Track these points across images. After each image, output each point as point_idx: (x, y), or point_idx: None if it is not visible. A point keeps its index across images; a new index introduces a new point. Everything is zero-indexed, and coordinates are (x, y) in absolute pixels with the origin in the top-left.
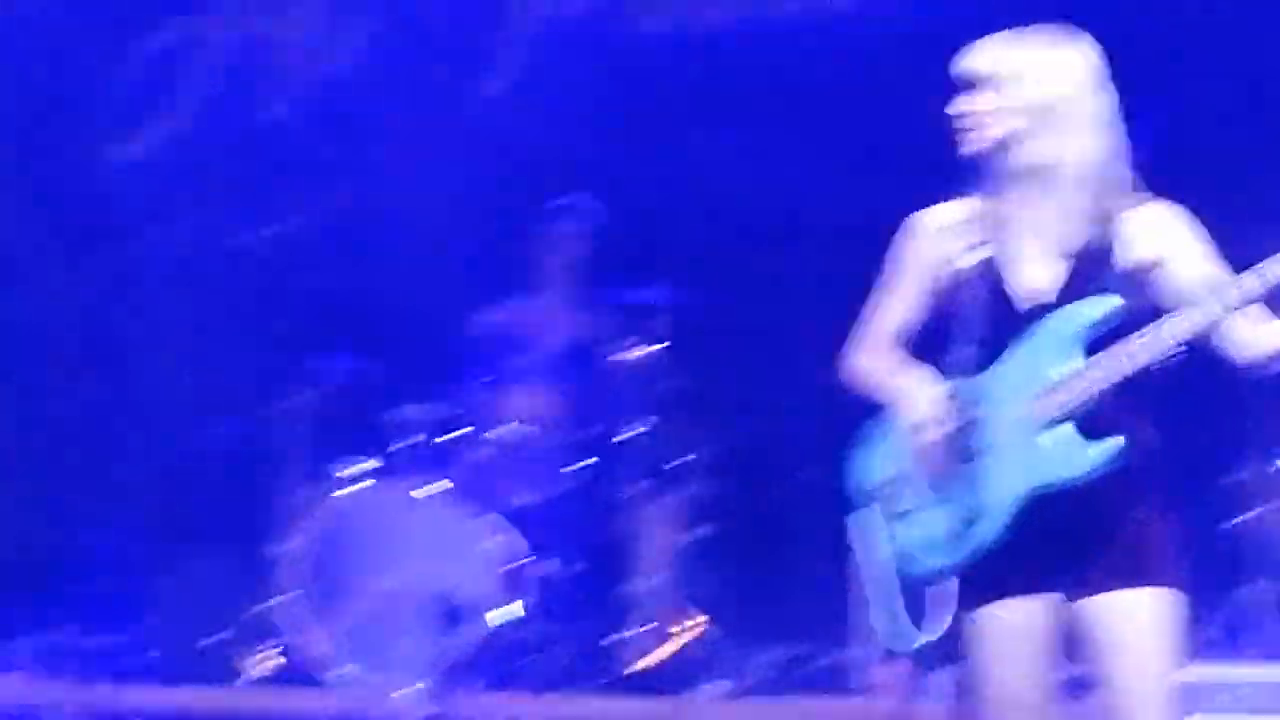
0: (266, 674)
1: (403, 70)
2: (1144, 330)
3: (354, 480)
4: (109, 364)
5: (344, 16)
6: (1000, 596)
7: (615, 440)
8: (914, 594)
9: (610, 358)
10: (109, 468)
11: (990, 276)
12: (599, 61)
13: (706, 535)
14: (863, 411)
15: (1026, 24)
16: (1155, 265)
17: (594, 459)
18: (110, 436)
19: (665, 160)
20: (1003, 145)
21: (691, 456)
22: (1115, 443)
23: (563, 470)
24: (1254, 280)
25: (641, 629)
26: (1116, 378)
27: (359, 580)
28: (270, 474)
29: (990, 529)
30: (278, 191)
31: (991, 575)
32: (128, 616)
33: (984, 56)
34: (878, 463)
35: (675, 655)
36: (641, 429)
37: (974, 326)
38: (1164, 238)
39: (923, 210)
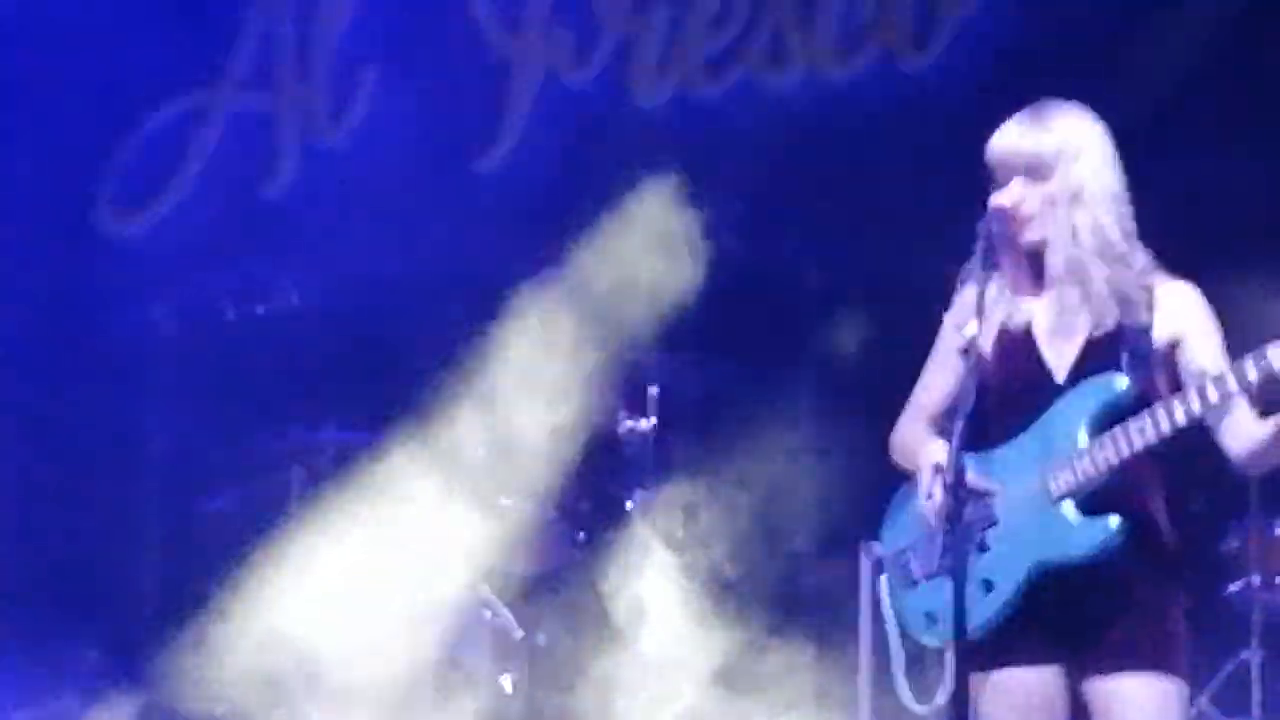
0: None
1: (401, 142)
2: (1150, 412)
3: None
4: (112, 435)
5: (342, 91)
6: (1009, 664)
7: (613, 509)
8: (923, 659)
9: (609, 428)
10: (107, 538)
11: (1014, 351)
12: (597, 132)
13: (701, 603)
14: (854, 485)
15: (1016, 97)
16: (1172, 345)
17: (591, 529)
18: (109, 507)
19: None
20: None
21: (687, 528)
22: (1116, 521)
23: (561, 540)
24: (1251, 369)
25: (636, 699)
26: (1120, 457)
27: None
28: (264, 544)
29: (996, 603)
30: (275, 264)
31: (1001, 643)
32: (126, 686)
33: (1022, 140)
34: (896, 531)
35: None
36: (640, 498)
37: (999, 400)
38: (1181, 318)
39: (962, 286)
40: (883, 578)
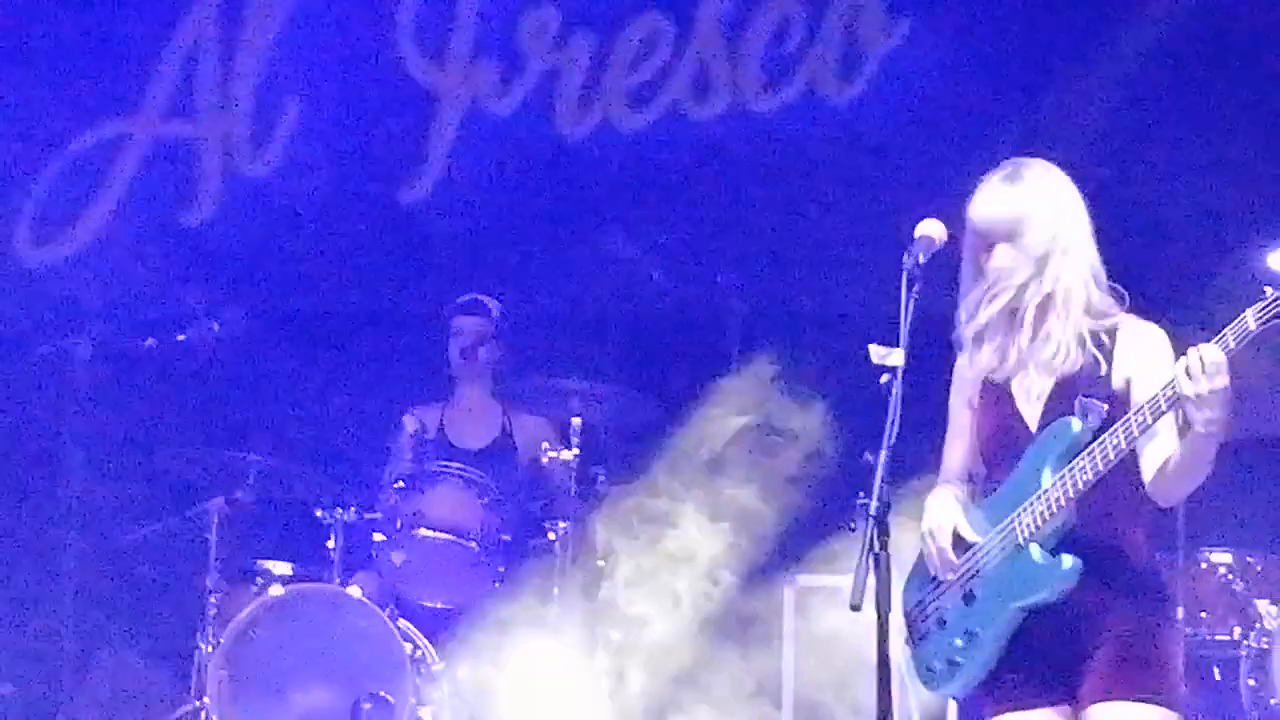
0: None
1: (324, 172)
2: (1096, 445)
3: (273, 582)
4: (31, 464)
5: (265, 120)
6: (1012, 709)
7: (535, 541)
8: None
9: (531, 458)
10: (24, 570)
11: (996, 404)
12: (522, 164)
13: (624, 636)
14: (787, 516)
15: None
16: (1127, 384)
17: (512, 561)
18: (33, 536)
19: (587, 260)
20: (1019, 290)
21: (609, 560)
22: (1070, 561)
23: (482, 572)
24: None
25: None
26: (1071, 494)
27: (278, 683)
28: (190, 575)
29: (980, 652)
30: (199, 292)
31: (1001, 688)
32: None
33: (996, 207)
34: (911, 590)
35: None
36: (562, 529)
37: (990, 452)
38: (1135, 359)
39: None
40: (902, 635)
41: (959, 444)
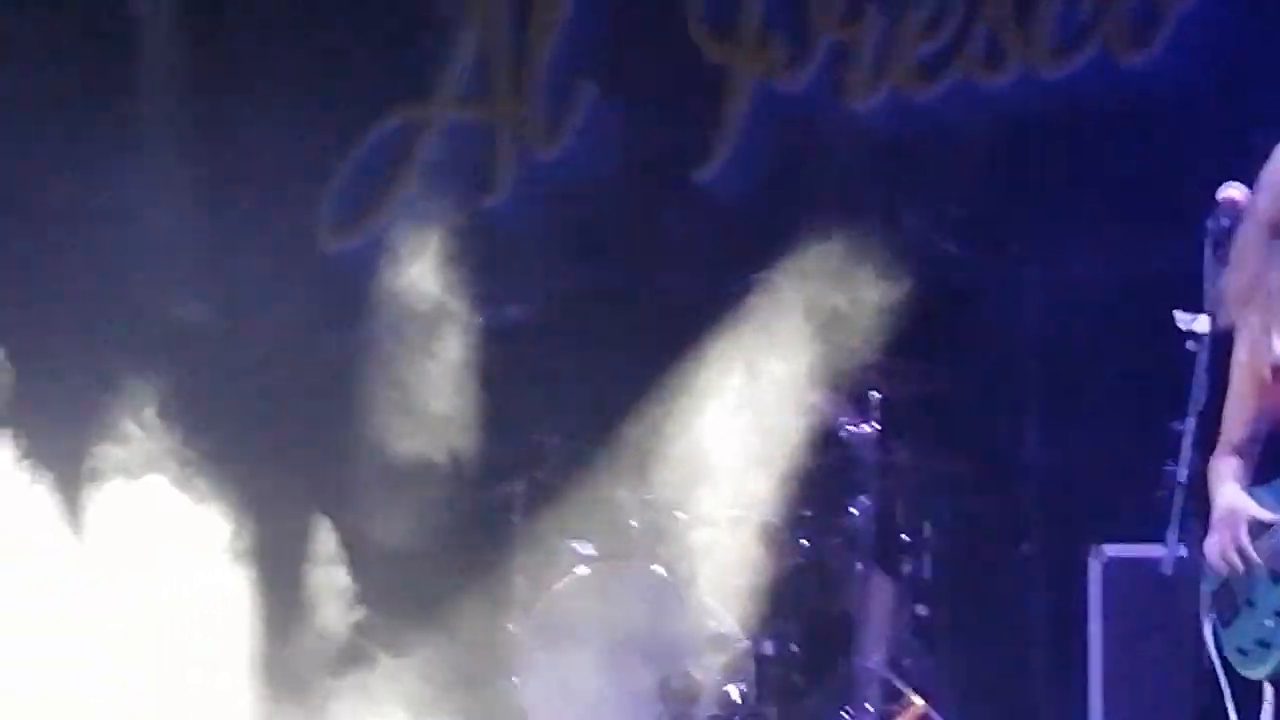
0: None
1: (617, 152)
2: None
3: (578, 562)
4: (344, 453)
5: (559, 101)
6: None
7: (836, 518)
8: (1247, 693)
9: (831, 434)
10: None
11: None
12: (812, 137)
13: (928, 615)
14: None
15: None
16: None
17: (815, 537)
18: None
19: (879, 232)
20: None
21: (911, 535)
22: None
23: (784, 548)
24: None
25: (862, 711)
26: None
27: (585, 661)
28: (496, 556)
29: None
30: (497, 277)
31: None
32: None
33: None
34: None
35: None
36: (863, 506)
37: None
38: None
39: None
40: (1210, 616)
41: (1239, 411)
